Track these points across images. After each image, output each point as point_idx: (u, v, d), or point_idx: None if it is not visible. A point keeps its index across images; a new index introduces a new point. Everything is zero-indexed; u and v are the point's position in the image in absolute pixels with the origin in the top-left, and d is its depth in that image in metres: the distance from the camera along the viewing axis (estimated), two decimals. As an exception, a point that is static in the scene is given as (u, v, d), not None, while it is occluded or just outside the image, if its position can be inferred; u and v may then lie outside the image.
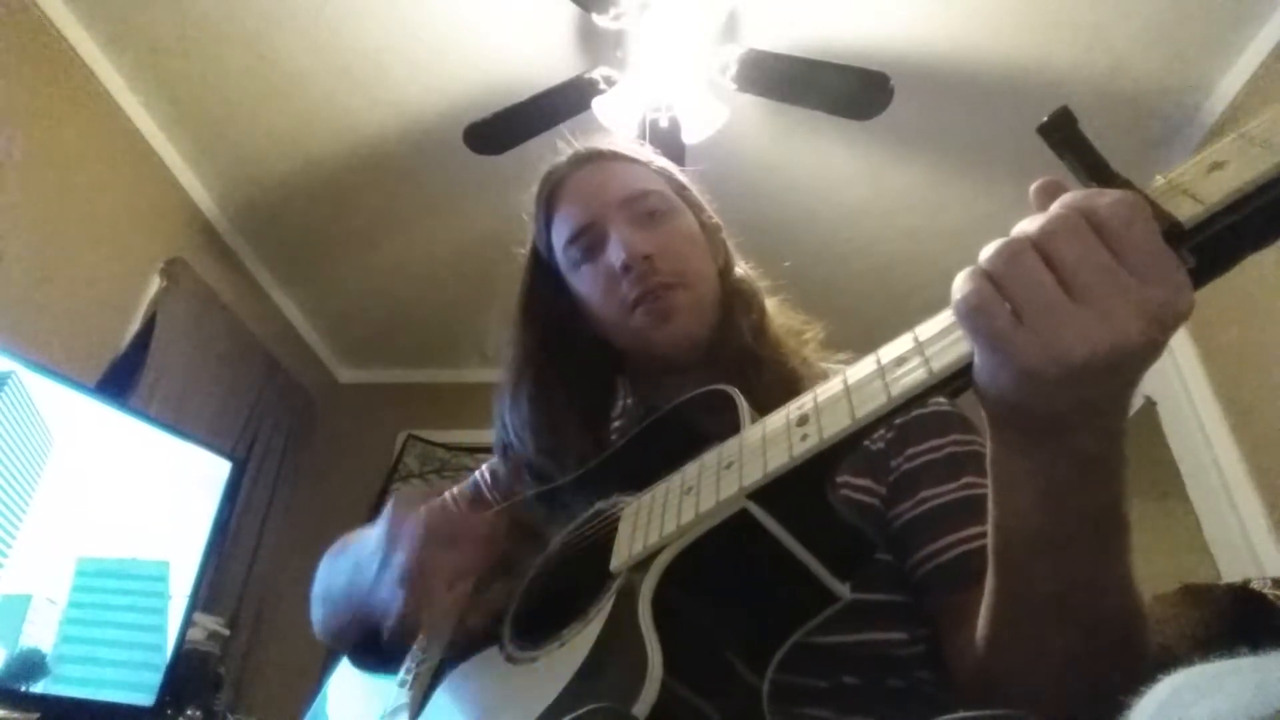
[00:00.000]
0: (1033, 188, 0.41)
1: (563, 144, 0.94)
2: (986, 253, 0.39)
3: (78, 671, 1.55)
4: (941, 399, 0.74)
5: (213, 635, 2.25)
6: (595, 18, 1.90)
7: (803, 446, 0.45)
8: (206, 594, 2.35)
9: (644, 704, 0.38)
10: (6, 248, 1.95)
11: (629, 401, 0.89)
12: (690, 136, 1.93)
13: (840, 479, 0.69)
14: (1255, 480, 2.11)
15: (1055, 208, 0.38)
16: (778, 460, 0.46)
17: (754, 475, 0.47)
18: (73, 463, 1.59)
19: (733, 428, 0.55)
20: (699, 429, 0.60)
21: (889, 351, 0.45)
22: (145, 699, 1.68)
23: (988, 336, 0.38)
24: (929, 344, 0.42)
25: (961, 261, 0.40)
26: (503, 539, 0.68)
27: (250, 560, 2.84)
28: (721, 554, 0.48)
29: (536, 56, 2.15)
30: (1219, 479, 2.19)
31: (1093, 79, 2.17)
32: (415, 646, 0.66)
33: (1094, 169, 0.40)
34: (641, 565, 0.49)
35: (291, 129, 2.42)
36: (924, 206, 2.64)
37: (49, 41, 2.04)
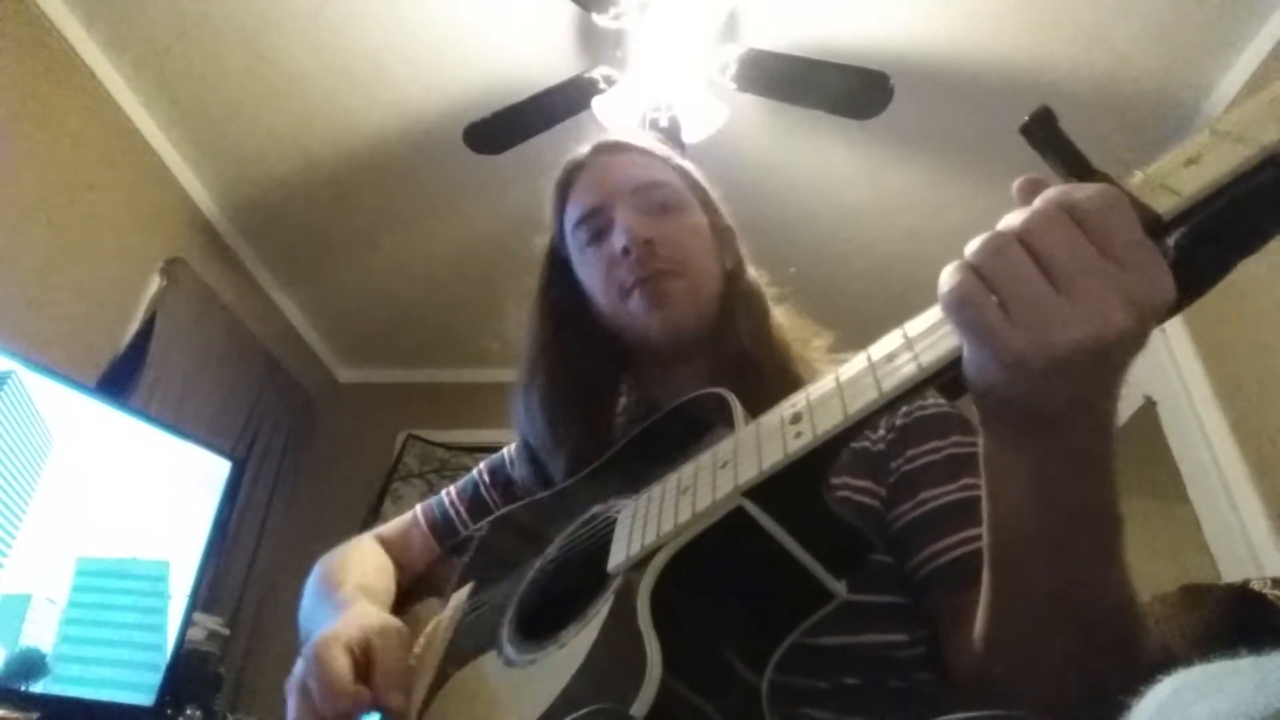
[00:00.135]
0: (1015, 185, 0.42)
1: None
2: (972, 247, 0.39)
3: (78, 671, 1.55)
4: (942, 401, 0.74)
5: (213, 635, 2.24)
6: (595, 17, 1.90)
7: (797, 444, 0.46)
8: (206, 594, 2.35)
9: (643, 703, 0.38)
10: (7, 248, 1.95)
11: (631, 399, 0.89)
12: (690, 136, 1.93)
13: (840, 480, 0.69)
14: (1255, 480, 2.11)
15: (1037, 202, 0.39)
16: (772, 458, 0.46)
17: (749, 473, 0.47)
18: (73, 463, 1.59)
19: (727, 429, 0.55)
20: (694, 431, 0.60)
21: (879, 348, 0.45)
22: (145, 699, 1.68)
23: (974, 329, 0.38)
24: (918, 339, 0.43)
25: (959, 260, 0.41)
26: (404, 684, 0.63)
27: (250, 560, 2.84)
28: (718, 553, 0.48)
29: (536, 56, 2.15)
30: (1219, 479, 2.19)
31: (1093, 79, 2.17)
32: (415, 644, 0.66)
33: (1075, 165, 0.41)
34: (639, 566, 0.49)
35: (291, 129, 2.42)
36: (924, 206, 2.64)
37: (49, 41, 2.04)
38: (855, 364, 0.47)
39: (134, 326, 2.40)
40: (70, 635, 1.55)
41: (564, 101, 2.00)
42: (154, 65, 2.22)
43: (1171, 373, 2.37)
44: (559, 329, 0.87)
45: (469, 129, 2.06)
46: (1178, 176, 0.38)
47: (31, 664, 1.47)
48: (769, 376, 0.75)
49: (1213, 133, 0.38)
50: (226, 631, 2.44)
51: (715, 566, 0.48)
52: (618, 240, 0.80)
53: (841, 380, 0.46)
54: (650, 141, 0.93)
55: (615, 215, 0.83)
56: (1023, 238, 0.38)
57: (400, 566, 0.87)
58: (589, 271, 0.85)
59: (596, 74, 1.98)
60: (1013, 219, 0.39)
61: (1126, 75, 2.17)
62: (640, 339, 0.83)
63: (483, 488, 0.92)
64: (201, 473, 1.93)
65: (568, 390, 0.84)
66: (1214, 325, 2.24)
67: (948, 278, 0.39)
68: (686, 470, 0.54)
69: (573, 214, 0.87)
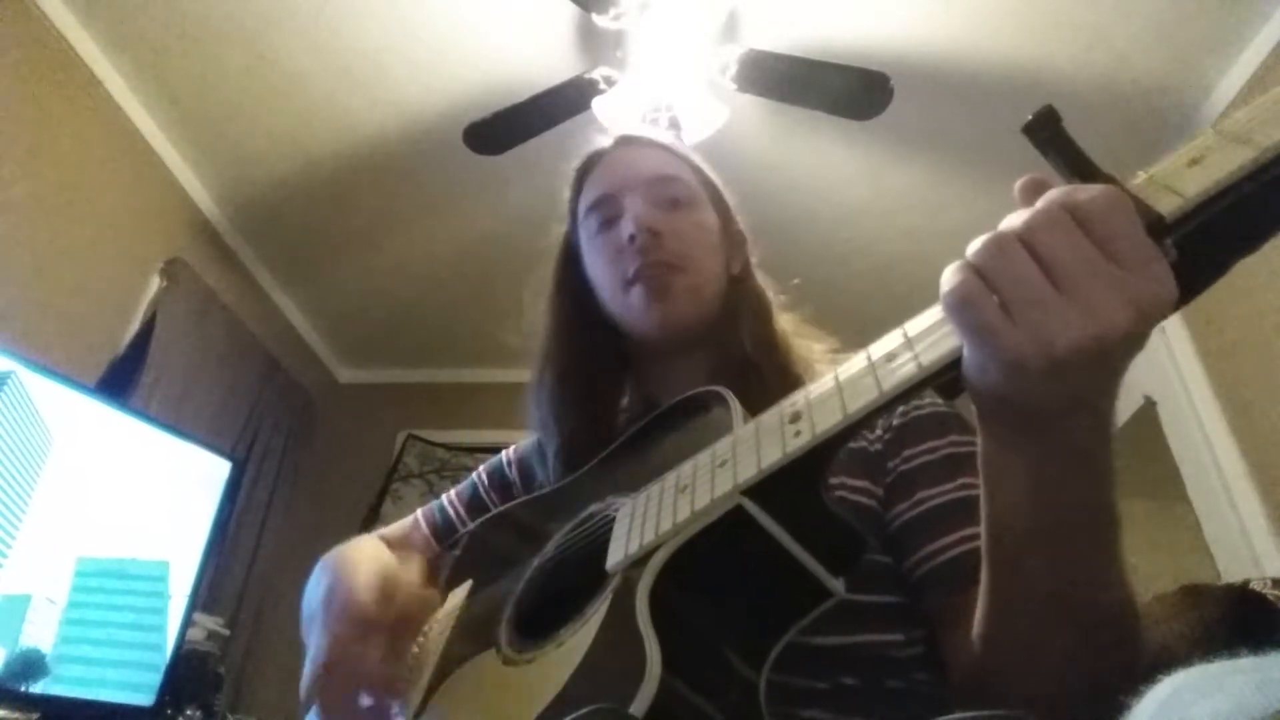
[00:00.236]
0: (1017, 185, 0.42)
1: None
2: (974, 247, 0.39)
3: (77, 671, 1.55)
4: (939, 400, 0.74)
5: (212, 635, 2.25)
6: (595, 18, 1.90)
7: (796, 443, 0.46)
8: (206, 594, 2.35)
9: (643, 702, 0.38)
10: (7, 248, 1.95)
11: (632, 397, 0.89)
12: (690, 136, 1.93)
13: (838, 480, 0.69)
14: (1255, 480, 2.11)
15: (1040, 203, 0.39)
16: (771, 457, 0.46)
17: (748, 472, 0.47)
18: (73, 463, 1.59)
19: (726, 427, 0.55)
20: (692, 429, 0.60)
21: (879, 347, 0.45)
22: (145, 699, 1.68)
23: (975, 329, 0.38)
24: (918, 339, 0.43)
25: (960, 260, 0.41)
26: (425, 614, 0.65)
27: (250, 560, 2.84)
28: (717, 551, 0.48)
29: (536, 56, 2.15)
30: (1219, 479, 2.19)
31: (1093, 79, 2.17)
32: (413, 643, 0.66)
33: (1078, 166, 0.41)
34: (637, 564, 0.49)
35: (291, 129, 2.42)
36: (924, 206, 2.64)
37: (49, 41, 2.05)
38: (855, 363, 0.47)
39: (134, 326, 2.40)
40: (70, 635, 1.55)
41: (564, 102, 2.00)
42: (154, 65, 2.22)
43: (1171, 373, 2.37)
44: (568, 324, 0.88)
45: (469, 129, 2.06)
46: (1181, 177, 0.38)
47: (31, 664, 1.47)
48: (770, 378, 0.75)
49: (1217, 134, 0.38)
50: (226, 631, 2.44)
51: (714, 565, 0.48)
52: (625, 228, 0.81)
53: (841, 379, 0.46)
54: (672, 140, 0.94)
55: (625, 204, 0.84)
56: (1025, 238, 0.38)
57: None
58: (596, 260, 0.86)
59: (596, 74, 1.98)
60: (1015, 219, 0.39)
61: (1126, 75, 2.17)
62: (639, 333, 0.83)
63: (482, 489, 0.92)
64: (201, 473, 1.93)
65: (576, 389, 0.84)
66: (1214, 325, 2.24)
67: (949, 278, 0.39)
68: (685, 469, 0.54)
69: (586, 200, 0.89)
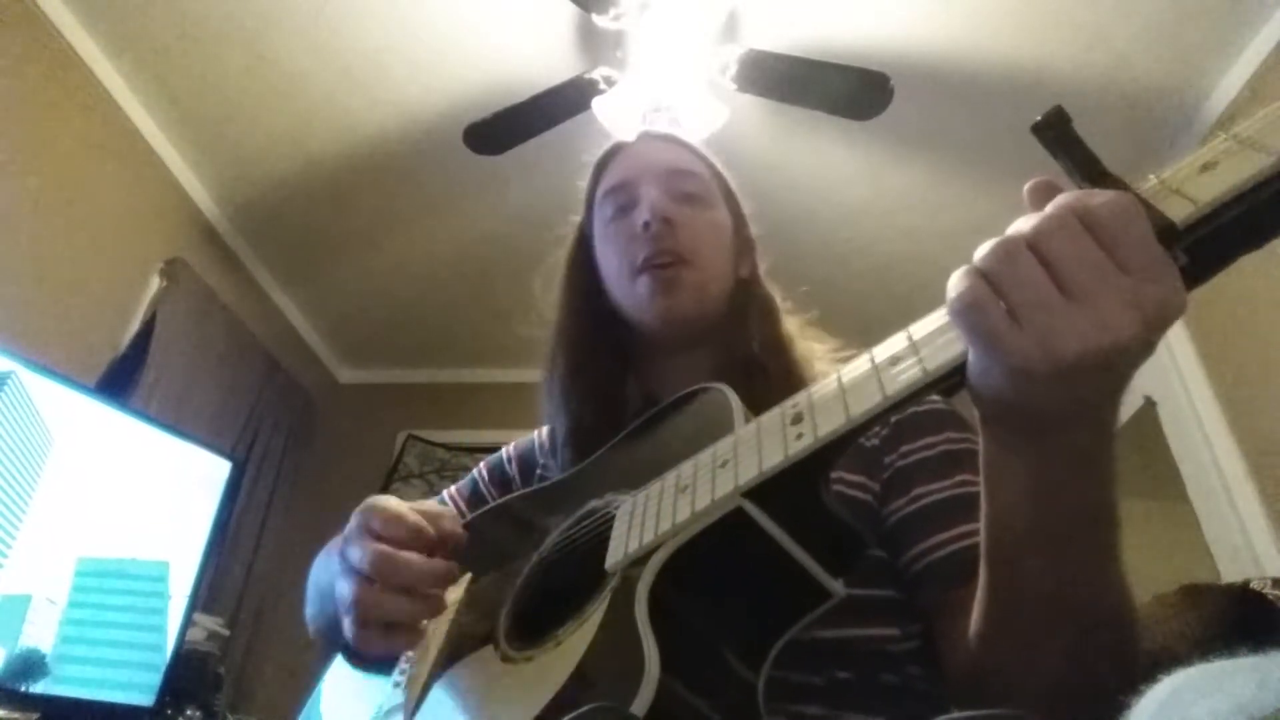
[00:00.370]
0: (1026, 187, 0.42)
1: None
2: (981, 252, 0.39)
3: (78, 671, 1.55)
4: (936, 397, 0.74)
5: (212, 635, 2.24)
6: (595, 18, 1.90)
7: (798, 445, 0.45)
8: (206, 594, 2.35)
9: (642, 703, 0.38)
10: (7, 248, 1.95)
11: (634, 392, 0.89)
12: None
13: (834, 475, 0.69)
14: (1255, 480, 2.11)
15: (1049, 208, 0.39)
16: (773, 459, 0.46)
17: (749, 474, 0.47)
18: (73, 463, 1.59)
19: (726, 426, 0.55)
20: (693, 426, 0.60)
21: (883, 350, 0.45)
22: (145, 699, 1.67)
23: (982, 335, 0.38)
24: (923, 343, 0.43)
25: (961, 262, 0.41)
26: (459, 542, 0.64)
27: (250, 560, 2.84)
28: (717, 552, 0.48)
29: (536, 56, 2.15)
30: (1219, 479, 2.19)
31: (1093, 79, 2.17)
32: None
33: (1087, 168, 0.41)
34: (637, 564, 0.49)
35: (291, 129, 2.42)
36: (924, 206, 2.64)
37: (49, 41, 2.04)
38: (858, 365, 0.46)
39: (134, 326, 2.40)
40: (70, 635, 1.55)
41: (564, 102, 2.00)
42: (154, 65, 2.22)
43: (1171, 373, 2.37)
44: (578, 313, 0.89)
45: (469, 129, 2.06)
46: (1193, 183, 0.37)
47: (31, 664, 1.47)
48: (776, 379, 0.76)
49: (1231, 139, 0.37)
50: (226, 632, 2.44)
51: (713, 566, 0.48)
52: (640, 215, 0.82)
53: (844, 382, 0.46)
54: (692, 140, 0.96)
55: (642, 191, 0.85)
56: (1033, 244, 0.38)
57: None
58: (608, 247, 0.87)
59: (596, 74, 1.98)
60: (1024, 224, 0.39)
61: (1127, 76, 2.17)
62: (642, 324, 0.84)
63: (482, 485, 0.93)
64: (201, 473, 1.93)
65: (586, 377, 0.85)
66: (1214, 325, 2.24)
67: (956, 282, 0.39)
68: (686, 468, 0.53)
69: (604, 187, 0.90)
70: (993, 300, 0.38)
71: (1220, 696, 0.23)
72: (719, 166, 0.94)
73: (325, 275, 3.09)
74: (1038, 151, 0.43)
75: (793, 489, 0.47)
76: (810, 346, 0.84)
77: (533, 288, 0.96)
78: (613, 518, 0.57)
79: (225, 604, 2.63)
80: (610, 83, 1.97)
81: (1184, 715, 0.23)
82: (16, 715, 1.42)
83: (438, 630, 0.63)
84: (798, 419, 0.47)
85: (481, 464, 0.96)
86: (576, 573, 0.55)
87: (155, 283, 2.49)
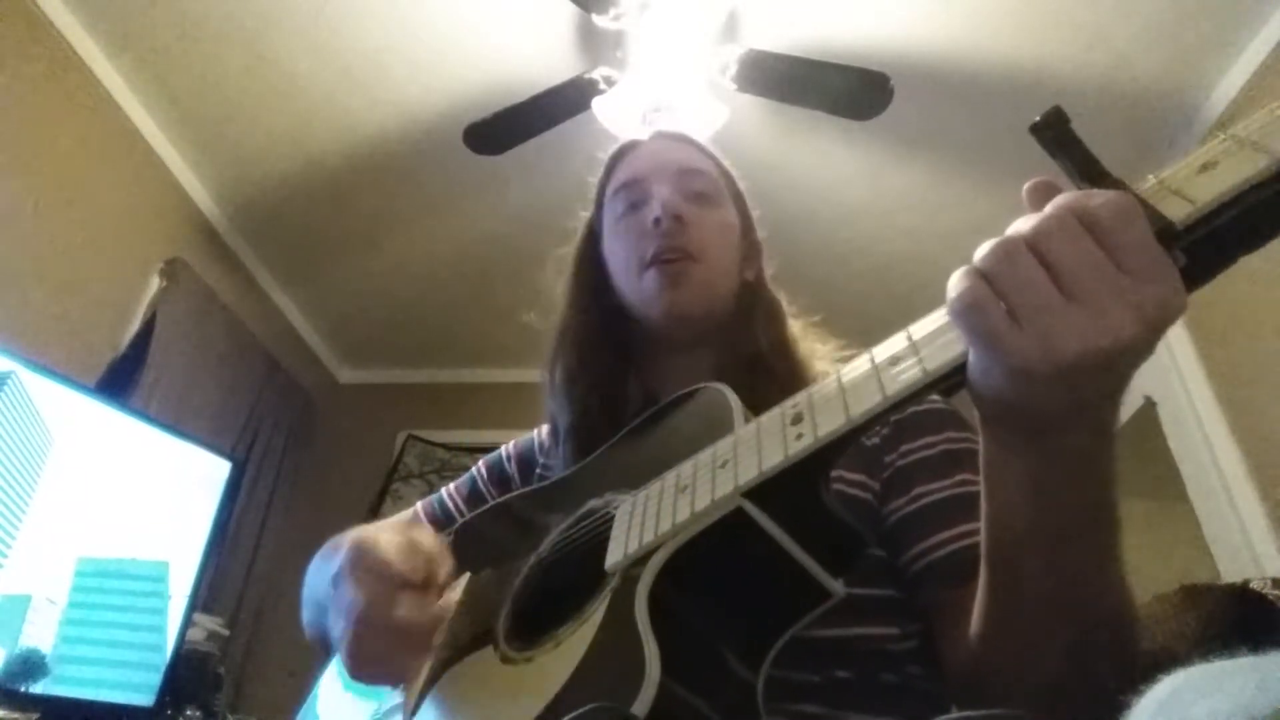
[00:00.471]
0: (1025, 188, 0.42)
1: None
2: (981, 252, 0.39)
3: (77, 671, 1.55)
4: (936, 396, 0.74)
5: (212, 635, 2.25)
6: (595, 18, 1.90)
7: (798, 445, 0.45)
8: (206, 594, 2.35)
9: (643, 704, 0.38)
10: (7, 248, 1.95)
11: (635, 391, 0.89)
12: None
13: (835, 473, 0.69)
14: (1255, 480, 2.11)
15: (1049, 208, 0.39)
16: (773, 459, 0.46)
17: (749, 474, 0.47)
18: (73, 463, 1.59)
19: (726, 425, 0.55)
20: (693, 425, 0.60)
21: (883, 350, 0.45)
22: (145, 699, 1.68)
23: (983, 335, 0.38)
24: (923, 343, 0.43)
25: (961, 262, 0.41)
26: (444, 578, 0.64)
27: (250, 560, 2.84)
28: (717, 553, 0.48)
29: (536, 56, 2.15)
30: (1219, 479, 2.19)
31: (1093, 79, 2.17)
32: None
33: (1086, 168, 0.41)
34: (636, 564, 0.49)
35: (291, 129, 2.42)
36: (924, 206, 2.64)
37: (49, 41, 2.04)
38: (858, 365, 0.46)
39: (134, 326, 2.40)
40: (70, 635, 1.55)
41: (564, 102, 2.00)
42: (154, 65, 2.22)
43: (1171, 373, 2.37)
44: (584, 309, 0.89)
45: (469, 129, 2.06)
46: (1192, 183, 0.38)
47: (31, 664, 1.47)
48: (781, 380, 0.76)
49: (1230, 139, 0.38)
50: (226, 632, 2.44)
51: (713, 566, 0.48)
52: (652, 211, 0.82)
53: (844, 382, 0.46)
54: (705, 142, 0.96)
55: (654, 188, 0.85)
56: (1033, 244, 0.38)
57: None
58: (617, 241, 0.87)
59: (596, 74, 1.98)
60: (1023, 225, 0.39)
61: (1127, 76, 2.17)
62: (648, 318, 0.84)
63: (481, 483, 0.93)
64: (201, 473, 1.93)
65: (590, 373, 0.85)
66: (1214, 325, 2.24)
67: (956, 283, 0.39)
68: (685, 468, 0.53)
69: (615, 183, 0.91)
70: (993, 301, 0.38)
71: (1220, 696, 0.23)
72: (729, 168, 0.95)
73: (325, 275, 3.09)
74: (1038, 152, 0.43)
75: (793, 489, 0.47)
76: (813, 347, 0.84)
77: (542, 279, 0.96)
78: (612, 518, 0.57)
79: (225, 604, 2.64)
80: (610, 83, 1.97)
81: (1184, 715, 0.23)
82: (16, 715, 1.42)
83: (439, 628, 0.63)
84: (797, 419, 0.47)
85: (480, 462, 0.96)
86: (576, 573, 0.55)
87: (155, 283, 2.48)
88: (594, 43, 2.09)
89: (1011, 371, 0.38)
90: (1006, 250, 0.38)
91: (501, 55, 2.16)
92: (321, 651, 0.77)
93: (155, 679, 1.70)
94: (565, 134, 2.06)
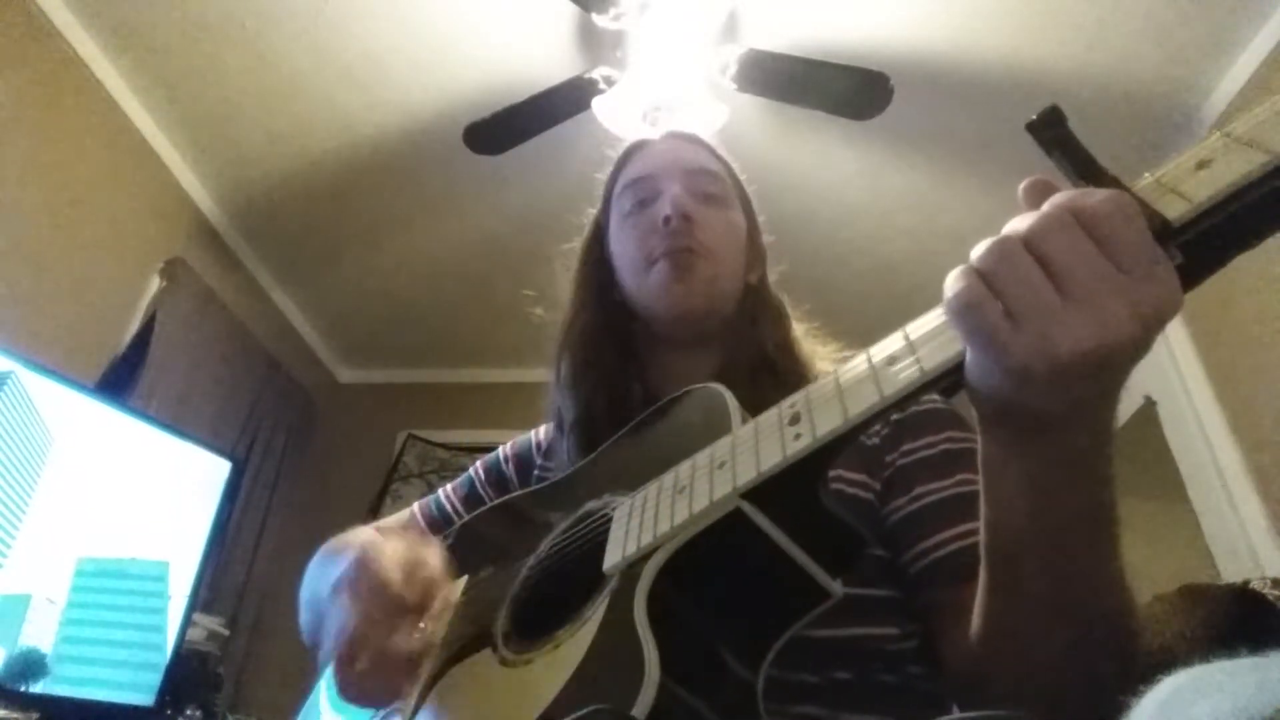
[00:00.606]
0: (1021, 187, 0.42)
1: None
2: (978, 251, 0.39)
3: (77, 671, 1.55)
4: (936, 397, 0.74)
5: (212, 635, 2.25)
6: (595, 18, 1.90)
7: (795, 446, 0.45)
8: (206, 594, 2.35)
9: (643, 705, 0.38)
10: (7, 248, 1.95)
11: (635, 390, 0.89)
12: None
13: (834, 473, 0.69)
14: (1255, 480, 2.11)
15: (1046, 206, 0.39)
16: (771, 460, 0.46)
17: (747, 475, 0.47)
18: (73, 463, 1.59)
19: (724, 426, 0.55)
20: (690, 427, 0.60)
21: (880, 350, 0.45)
22: (145, 699, 1.68)
23: (980, 334, 0.38)
24: (921, 343, 0.43)
25: (961, 262, 0.40)
26: (443, 585, 0.65)
27: (250, 560, 2.84)
28: (715, 553, 0.48)
29: (536, 56, 2.15)
30: (1219, 479, 2.19)
31: (1093, 79, 2.17)
32: None
33: (1083, 167, 0.41)
34: (635, 566, 0.49)
35: (291, 129, 2.42)
36: (924, 206, 2.64)
37: (49, 41, 2.04)
38: (856, 365, 0.46)
39: (134, 326, 2.41)
40: (70, 635, 1.55)
41: (564, 102, 2.00)
42: (154, 65, 2.22)
43: (1171, 373, 2.37)
44: (590, 308, 0.89)
45: (469, 129, 2.06)
46: (1188, 181, 0.38)
47: (31, 664, 1.47)
48: (785, 382, 0.76)
49: (1225, 137, 0.38)
50: (226, 632, 2.44)
51: (712, 567, 0.48)
52: (661, 209, 0.83)
53: (842, 381, 0.46)
54: (714, 143, 0.97)
55: (664, 186, 0.85)
56: (1030, 243, 0.38)
57: None
58: (625, 238, 0.87)
59: (596, 74, 1.98)
60: (1020, 223, 0.39)
61: (1127, 75, 2.17)
62: (653, 313, 0.84)
63: (479, 484, 0.93)
64: (201, 473, 1.93)
65: (596, 370, 0.85)
66: (1214, 325, 2.24)
67: (953, 282, 0.39)
68: (683, 468, 0.53)
69: (624, 180, 0.91)
70: (990, 300, 0.38)
71: (1220, 696, 0.23)
72: (738, 171, 0.95)
73: (325, 275, 3.09)
74: (1037, 151, 0.43)
75: (791, 489, 0.47)
76: (814, 349, 0.84)
77: (543, 278, 0.97)
78: (610, 519, 0.57)
79: (225, 604, 2.64)
80: (610, 83, 1.97)
81: (1184, 715, 0.23)
82: (16, 715, 1.42)
83: (435, 633, 0.63)
84: (795, 419, 0.47)
85: (478, 464, 0.96)
86: (575, 575, 0.55)
87: (155, 283, 2.49)
88: (594, 43, 2.09)
89: (1009, 371, 0.38)
90: (1003, 249, 0.38)
91: (501, 55, 2.16)
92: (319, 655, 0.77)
93: (155, 679, 1.70)
94: (565, 134, 2.06)
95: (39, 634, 1.49)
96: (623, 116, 1.91)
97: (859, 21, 2.04)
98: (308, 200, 2.69)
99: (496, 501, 0.82)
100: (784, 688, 0.57)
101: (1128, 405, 2.45)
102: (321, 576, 0.79)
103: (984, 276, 0.38)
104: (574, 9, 1.93)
